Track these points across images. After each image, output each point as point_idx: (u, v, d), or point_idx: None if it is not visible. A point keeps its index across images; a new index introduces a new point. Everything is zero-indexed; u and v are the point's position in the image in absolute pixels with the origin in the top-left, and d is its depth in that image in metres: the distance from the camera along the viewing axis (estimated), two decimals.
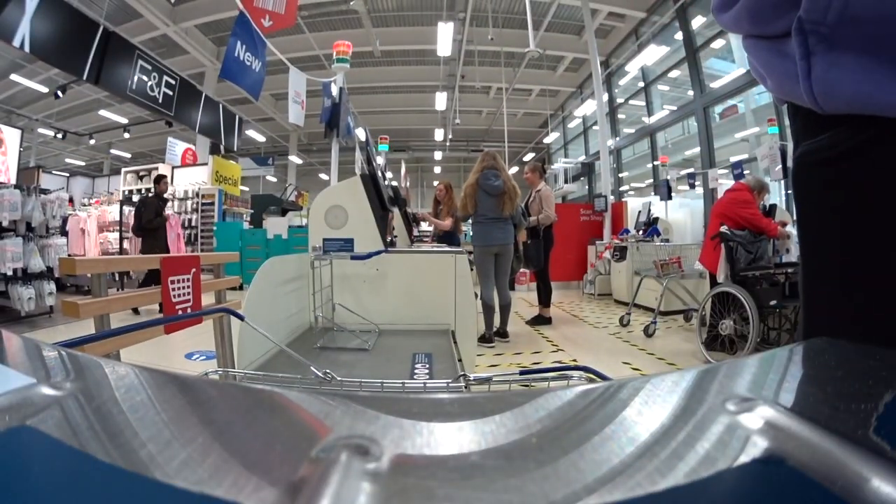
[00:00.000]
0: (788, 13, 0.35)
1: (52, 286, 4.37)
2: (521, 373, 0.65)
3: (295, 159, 16.91)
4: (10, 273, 4.02)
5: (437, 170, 19.98)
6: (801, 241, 0.44)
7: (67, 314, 1.22)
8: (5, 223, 4.04)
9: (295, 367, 1.09)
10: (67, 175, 10.55)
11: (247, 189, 12.65)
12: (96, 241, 6.74)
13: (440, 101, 11.82)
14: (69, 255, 5.29)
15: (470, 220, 3.64)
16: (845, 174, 0.37)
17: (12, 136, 6.66)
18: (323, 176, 17.90)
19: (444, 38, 8.18)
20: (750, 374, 0.26)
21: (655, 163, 9.58)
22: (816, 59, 0.34)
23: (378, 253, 1.82)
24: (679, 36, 8.48)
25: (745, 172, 6.17)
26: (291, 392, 0.25)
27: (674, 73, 9.36)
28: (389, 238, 2.18)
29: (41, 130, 11.91)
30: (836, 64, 0.33)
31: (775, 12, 0.37)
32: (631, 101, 11.10)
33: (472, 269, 2.54)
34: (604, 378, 0.53)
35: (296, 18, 3.92)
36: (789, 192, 6.28)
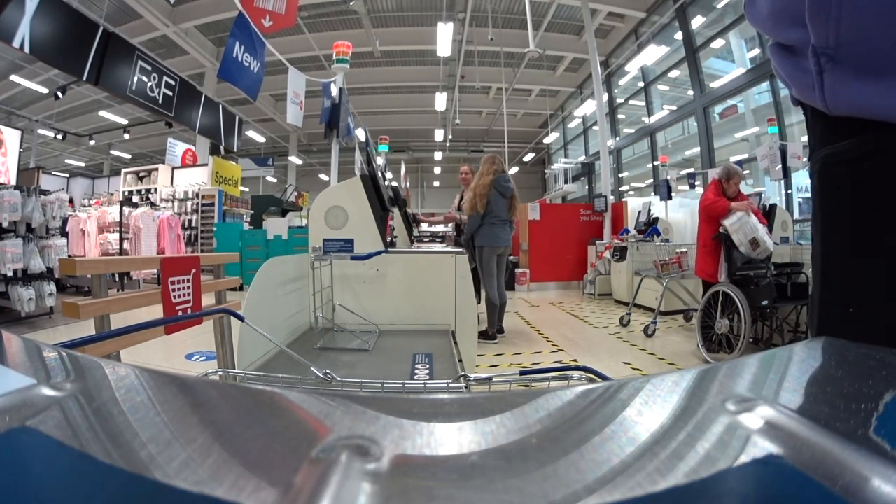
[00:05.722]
0: (798, 27, 0.44)
1: (52, 287, 4.37)
2: (522, 373, 0.65)
3: (295, 160, 16.92)
4: (10, 274, 4.02)
5: (437, 170, 19.99)
6: (818, 233, 0.50)
7: (68, 315, 1.22)
8: (5, 224, 4.04)
9: (295, 367, 1.09)
10: (67, 176, 10.52)
11: (247, 190, 12.65)
12: (96, 241, 6.74)
13: (440, 101, 11.82)
14: (69, 256, 5.29)
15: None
16: (866, 172, 0.45)
17: (12, 136, 6.67)
18: (323, 176, 17.91)
19: (444, 38, 8.18)
20: (750, 374, 0.26)
21: (655, 163, 9.59)
22: (826, 75, 0.44)
23: (378, 253, 1.81)
24: (679, 36, 8.49)
25: (745, 172, 6.17)
26: (292, 393, 0.25)
27: (674, 73, 9.37)
28: (389, 238, 2.18)
29: (41, 131, 11.92)
30: (840, 78, 0.43)
31: (791, 24, 0.46)
32: (631, 101, 11.11)
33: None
34: (604, 378, 0.53)
35: (296, 19, 3.92)
36: (789, 191, 6.28)
